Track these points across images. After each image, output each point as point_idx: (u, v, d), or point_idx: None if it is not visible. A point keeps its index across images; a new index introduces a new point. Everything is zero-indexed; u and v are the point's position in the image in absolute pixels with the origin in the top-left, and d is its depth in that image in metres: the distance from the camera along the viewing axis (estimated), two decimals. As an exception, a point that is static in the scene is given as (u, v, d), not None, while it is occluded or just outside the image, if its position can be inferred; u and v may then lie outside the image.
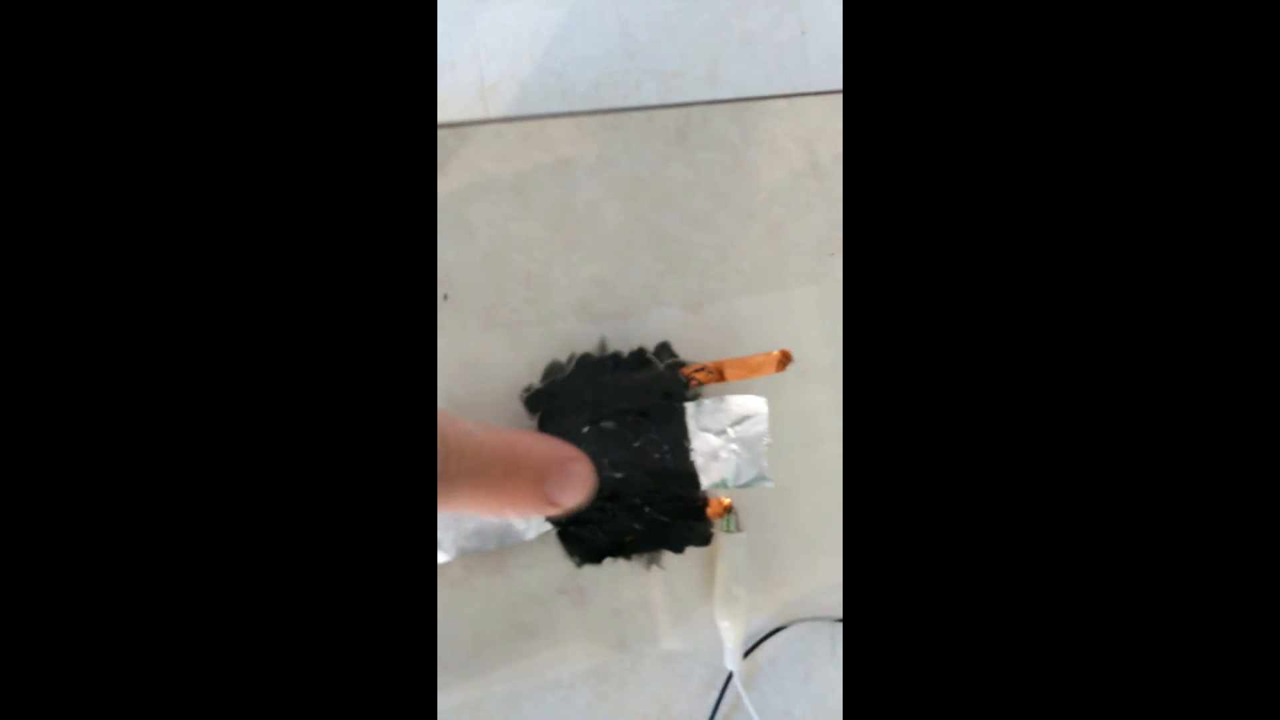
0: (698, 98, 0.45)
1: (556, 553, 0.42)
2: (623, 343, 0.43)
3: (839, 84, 0.47)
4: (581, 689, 0.43)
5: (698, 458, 0.42)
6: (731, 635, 0.43)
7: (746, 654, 0.44)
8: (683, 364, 0.42)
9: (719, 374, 0.42)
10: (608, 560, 0.42)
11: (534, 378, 0.42)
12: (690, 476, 0.42)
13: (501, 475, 0.26)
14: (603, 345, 0.43)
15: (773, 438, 0.41)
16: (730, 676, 0.44)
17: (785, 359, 0.42)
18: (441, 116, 0.42)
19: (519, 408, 0.41)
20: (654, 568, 0.43)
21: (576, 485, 0.27)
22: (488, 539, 0.40)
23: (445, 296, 0.41)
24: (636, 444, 0.41)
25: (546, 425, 0.41)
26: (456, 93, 0.44)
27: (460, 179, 0.41)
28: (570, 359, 0.42)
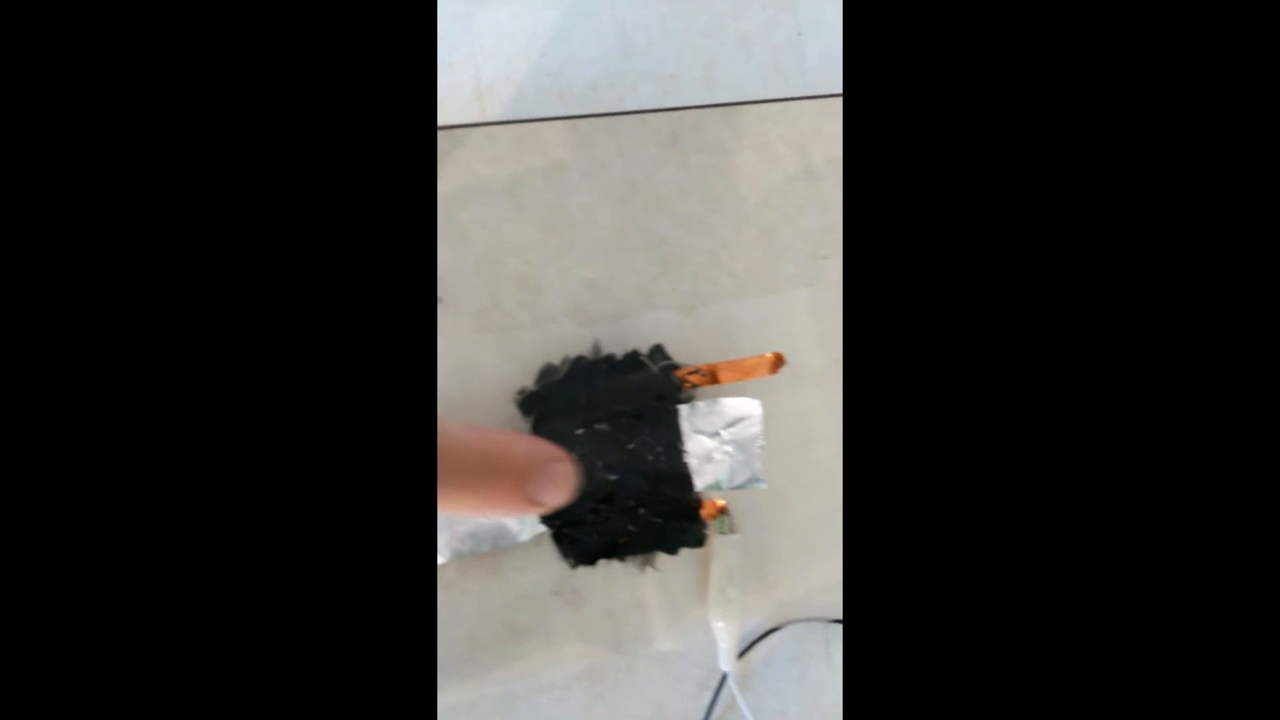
0: (694, 99, 0.45)
1: (551, 555, 0.42)
2: (616, 345, 0.43)
3: (835, 86, 0.47)
4: (576, 690, 0.43)
5: (691, 460, 0.42)
6: (726, 636, 0.43)
7: (741, 655, 0.45)
8: (676, 366, 0.42)
9: (712, 376, 0.42)
10: (602, 562, 0.43)
11: (528, 380, 0.42)
12: (684, 478, 0.42)
13: (483, 474, 0.26)
14: (596, 348, 0.43)
15: (766, 440, 0.41)
16: (725, 677, 0.44)
17: (778, 361, 0.42)
18: (438, 118, 0.42)
19: (513, 410, 0.42)
20: (648, 569, 0.43)
21: (559, 484, 0.27)
22: (482, 541, 0.40)
23: (440, 299, 0.41)
24: (630, 446, 0.42)
25: (540, 428, 0.41)
26: (453, 94, 0.44)
27: (454, 182, 0.41)
28: (564, 362, 0.42)
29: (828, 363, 0.45)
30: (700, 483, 0.42)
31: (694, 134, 0.44)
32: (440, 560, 0.40)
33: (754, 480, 0.42)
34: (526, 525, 0.41)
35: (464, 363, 0.41)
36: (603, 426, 0.41)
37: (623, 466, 0.41)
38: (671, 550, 0.43)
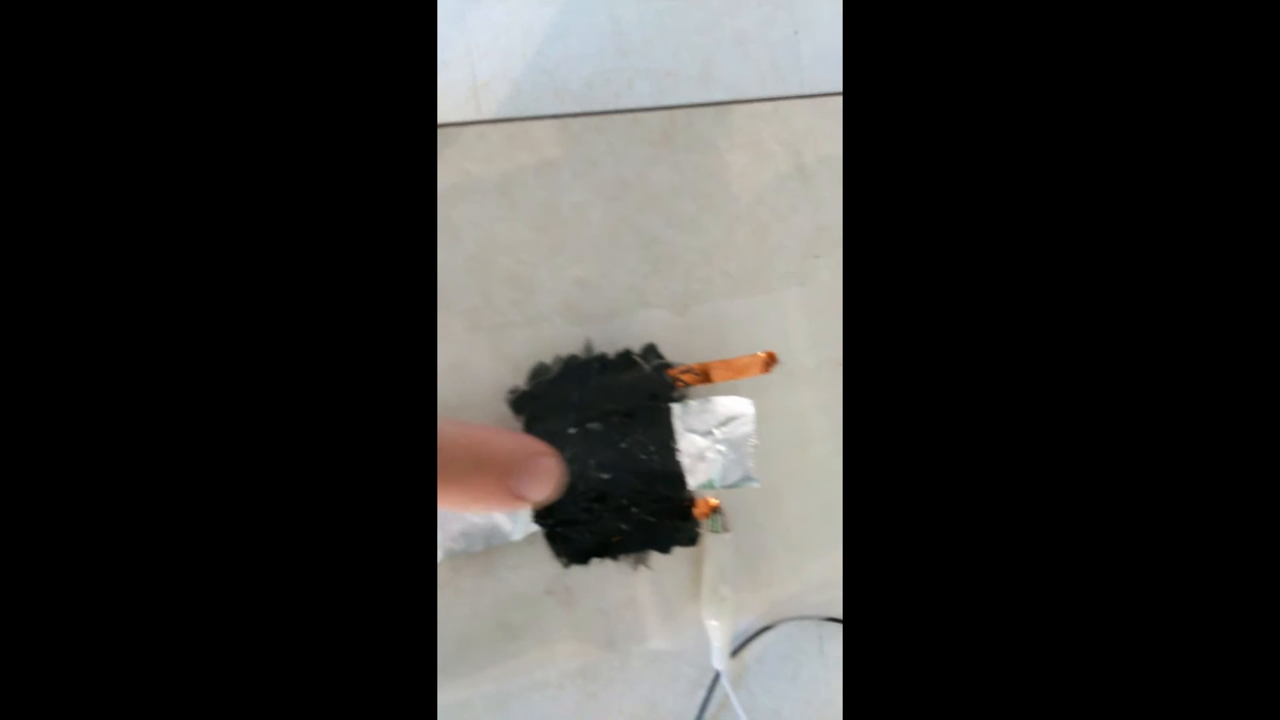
0: (690, 97, 0.45)
1: (544, 554, 0.42)
2: (608, 345, 0.43)
3: (831, 84, 0.47)
4: (569, 689, 0.43)
5: (684, 458, 0.42)
6: (719, 634, 0.44)
7: (734, 653, 0.45)
8: (669, 365, 0.42)
9: (705, 375, 0.42)
10: (595, 561, 0.43)
11: (520, 380, 0.42)
12: (677, 477, 0.42)
13: (467, 470, 0.26)
14: (588, 347, 0.43)
15: (759, 438, 0.41)
16: (718, 676, 0.44)
17: (771, 360, 0.42)
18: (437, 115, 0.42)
19: (505, 410, 0.42)
20: (641, 568, 0.44)
21: (543, 479, 0.27)
22: (475, 540, 0.41)
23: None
24: (623, 445, 0.42)
25: (533, 427, 0.41)
26: (449, 91, 0.44)
27: (445, 181, 0.41)
28: (556, 361, 0.42)
29: (820, 361, 0.45)
30: (693, 481, 0.42)
31: (686, 132, 0.43)
32: (437, 555, 0.40)
33: (746, 479, 0.42)
34: (519, 524, 0.41)
35: (456, 362, 0.41)
36: (595, 426, 0.41)
37: (615, 465, 0.42)
38: (664, 549, 0.43)
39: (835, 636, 0.46)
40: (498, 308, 0.42)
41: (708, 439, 0.42)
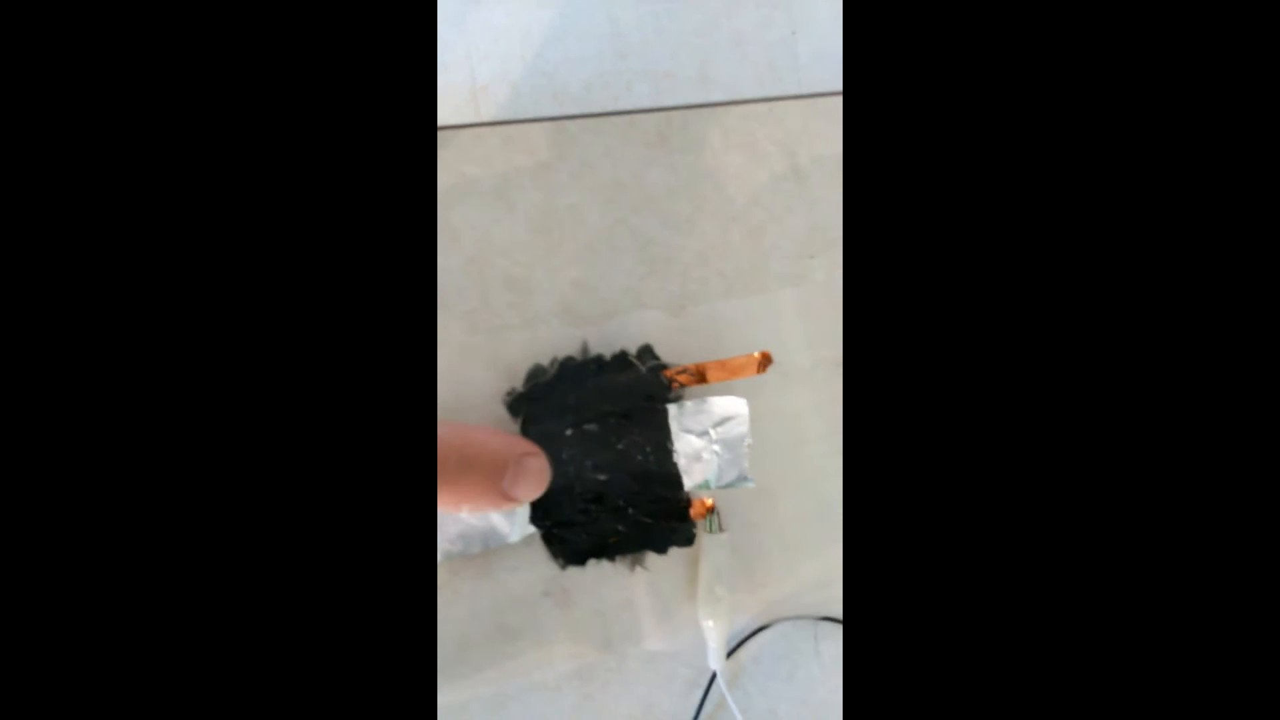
0: (689, 98, 0.45)
1: (541, 555, 0.43)
2: (605, 346, 0.43)
3: (830, 84, 0.47)
4: (566, 690, 0.43)
5: (680, 459, 0.42)
6: (715, 635, 0.44)
7: (730, 654, 0.45)
8: (664, 366, 0.43)
9: (700, 376, 0.42)
10: (591, 562, 0.43)
11: (516, 382, 0.42)
12: (673, 478, 0.42)
13: (456, 470, 0.26)
14: (585, 349, 0.43)
15: (754, 439, 0.41)
16: (714, 676, 0.44)
17: (766, 361, 0.42)
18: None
19: (502, 412, 0.42)
20: (638, 569, 0.44)
21: (532, 480, 0.27)
22: (472, 542, 0.41)
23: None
24: (619, 446, 0.42)
25: (529, 429, 0.42)
26: (448, 94, 0.44)
27: (443, 183, 0.41)
28: (552, 363, 0.42)
29: (815, 361, 0.45)
30: (689, 482, 0.42)
31: (681, 134, 0.44)
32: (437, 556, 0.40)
33: (742, 479, 0.42)
34: (516, 526, 0.41)
35: (453, 364, 0.41)
36: (591, 427, 0.42)
37: (612, 467, 0.42)
38: (661, 550, 0.43)
39: (831, 636, 0.46)
40: (494, 309, 0.42)
41: (703, 439, 0.42)
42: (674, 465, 0.42)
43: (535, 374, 0.42)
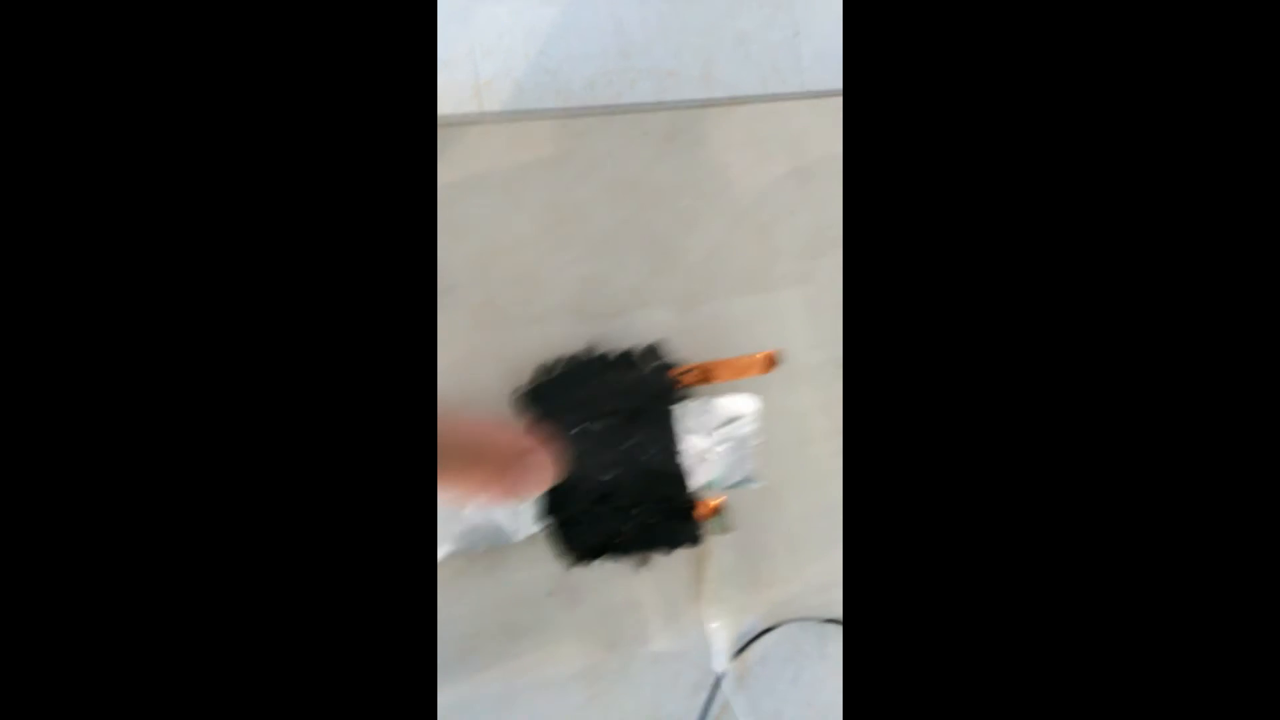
0: (692, 97, 0.45)
1: (547, 554, 0.42)
2: (611, 344, 0.43)
3: (831, 84, 0.47)
4: (572, 690, 0.43)
5: (686, 459, 0.42)
6: (721, 636, 0.43)
7: (736, 654, 0.45)
8: (671, 365, 0.42)
9: (706, 375, 0.42)
10: (598, 561, 0.43)
11: (522, 379, 0.42)
12: (679, 478, 0.42)
13: (463, 463, 0.26)
14: (591, 347, 0.43)
15: (760, 439, 0.41)
16: (720, 677, 0.44)
17: (772, 360, 0.42)
18: (438, 112, 0.42)
19: (509, 410, 0.42)
20: (643, 569, 0.43)
21: (538, 475, 0.27)
22: (477, 541, 0.40)
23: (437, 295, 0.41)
24: (625, 446, 0.42)
25: (535, 428, 0.41)
26: (452, 89, 0.44)
27: (451, 178, 0.41)
28: (559, 361, 0.42)
29: (821, 361, 0.45)
30: (695, 482, 0.42)
31: (688, 132, 0.43)
32: (444, 551, 0.40)
33: (748, 480, 0.42)
34: (523, 524, 0.41)
35: (461, 361, 0.41)
36: (598, 426, 0.41)
37: (618, 466, 0.41)
38: (667, 549, 0.43)
39: (837, 638, 0.46)
40: (501, 306, 0.42)
41: (709, 439, 0.42)
42: (680, 465, 0.42)
43: (541, 372, 0.42)
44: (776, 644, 0.45)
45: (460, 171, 0.41)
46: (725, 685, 0.44)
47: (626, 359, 0.42)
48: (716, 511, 0.43)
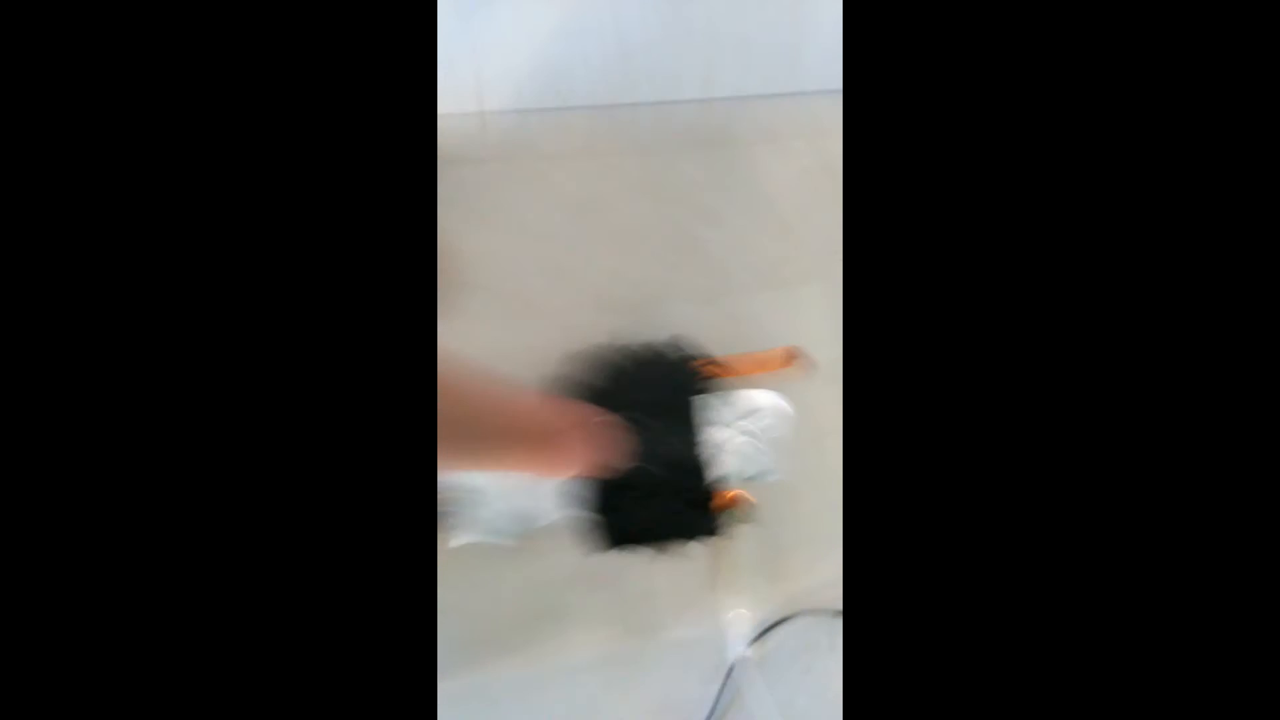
0: (694, 96, 0.46)
1: (566, 541, 0.43)
2: (634, 336, 0.43)
3: (832, 84, 0.47)
4: (589, 674, 0.43)
5: (706, 450, 0.42)
6: (736, 625, 0.44)
7: (751, 644, 0.45)
8: (692, 358, 0.43)
9: (728, 369, 0.43)
10: (617, 550, 0.43)
11: (547, 369, 0.42)
12: (699, 469, 0.43)
13: (494, 434, 0.26)
14: (615, 338, 0.43)
15: (779, 432, 0.42)
16: (734, 665, 0.45)
17: (792, 355, 0.43)
18: (440, 111, 0.43)
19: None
20: (662, 558, 0.44)
21: (600, 447, 0.27)
22: (500, 529, 0.41)
23: (463, 286, 0.42)
24: (647, 436, 0.42)
25: (578, 409, 0.42)
26: (454, 88, 0.44)
27: (480, 171, 0.42)
28: (583, 352, 0.43)
29: (839, 356, 0.46)
30: (714, 473, 0.42)
31: (713, 128, 0.44)
32: (468, 539, 0.41)
33: (766, 472, 0.42)
34: (546, 512, 0.41)
35: (486, 352, 0.42)
36: (620, 416, 0.42)
37: (639, 456, 0.42)
38: (686, 539, 0.44)
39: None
40: (527, 298, 0.42)
41: (730, 431, 0.42)
42: (700, 456, 0.42)
43: (565, 362, 0.43)
44: (791, 634, 0.46)
45: (489, 165, 0.42)
46: (739, 673, 0.45)
47: (650, 351, 0.43)
48: (734, 503, 0.44)
